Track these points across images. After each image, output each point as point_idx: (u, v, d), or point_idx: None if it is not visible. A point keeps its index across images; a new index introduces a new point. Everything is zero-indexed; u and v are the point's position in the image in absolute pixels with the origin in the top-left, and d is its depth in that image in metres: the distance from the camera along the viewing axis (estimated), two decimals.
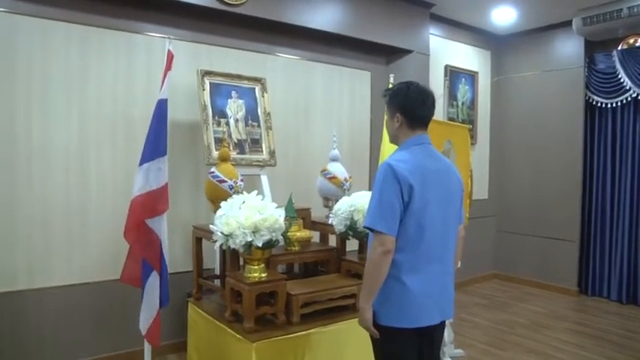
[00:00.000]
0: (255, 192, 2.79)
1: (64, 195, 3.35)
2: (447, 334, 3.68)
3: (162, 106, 2.89)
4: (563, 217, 5.79)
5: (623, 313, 5.07)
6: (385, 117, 2.27)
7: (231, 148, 3.62)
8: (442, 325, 2.19)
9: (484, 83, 6.26)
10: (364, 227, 2.01)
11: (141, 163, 2.87)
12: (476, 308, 5.22)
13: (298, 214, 3.33)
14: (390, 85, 4.24)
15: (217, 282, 3.44)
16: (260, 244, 2.61)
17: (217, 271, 3.56)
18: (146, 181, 2.85)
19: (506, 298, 5.61)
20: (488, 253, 6.44)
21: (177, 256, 3.73)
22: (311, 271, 3.53)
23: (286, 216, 3.00)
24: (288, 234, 3.05)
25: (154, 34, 3.69)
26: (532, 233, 6.10)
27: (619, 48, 5.40)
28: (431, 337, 2.14)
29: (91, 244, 3.45)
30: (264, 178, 3.79)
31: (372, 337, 2.10)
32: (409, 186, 1.94)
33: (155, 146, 2.87)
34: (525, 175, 6.20)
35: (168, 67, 2.93)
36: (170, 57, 2.97)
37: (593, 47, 5.63)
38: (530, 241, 6.12)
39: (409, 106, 2.11)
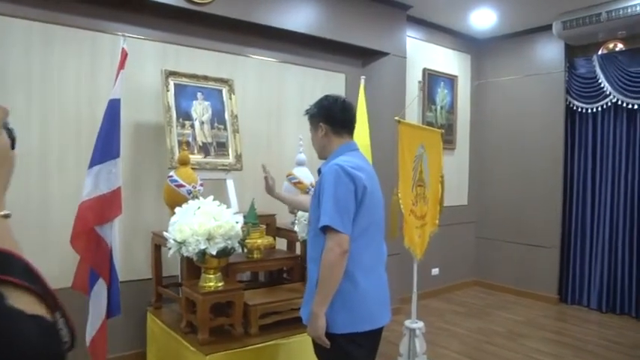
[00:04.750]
0: (212, 197, 2.66)
1: (24, 200, 3.13)
2: (419, 344, 3.57)
3: (114, 107, 2.77)
4: (543, 224, 5.70)
5: (601, 322, 4.99)
6: (310, 134, 2.25)
7: (195, 151, 3.50)
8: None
9: (464, 87, 6.16)
10: (320, 227, 1.92)
11: (90, 166, 2.74)
12: (453, 316, 5.12)
13: (262, 221, 3.20)
14: (361, 88, 4.15)
15: (180, 290, 3.31)
16: (214, 252, 2.49)
17: (180, 279, 3.43)
18: (95, 185, 2.72)
19: (485, 306, 5.51)
20: (468, 260, 6.33)
21: (140, 263, 3.60)
22: (276, 279, 3.41)
23: (247, 222, 2.88)
24: (248, 241, 2.93)
25: (119, 34, 3.54)
26: (512, 240, 6.00)
27: (599, 53, 5.33)
28: (378, 340, 2.13)
29: (52, 252, 3.26)
30: (229, 183, 3.65)
31: (318, 349, 2.03)
32: (363, 186, 1.95)
33: (106, 148, 2.74)
34: (505, 181, 6.10)
35: (121, 66, 2.81)
36: (124, 55, 2.84)
37: (574, 52, 5.57)
38: (510, 248, 6.01)
39: (331, 113, 2.13)
